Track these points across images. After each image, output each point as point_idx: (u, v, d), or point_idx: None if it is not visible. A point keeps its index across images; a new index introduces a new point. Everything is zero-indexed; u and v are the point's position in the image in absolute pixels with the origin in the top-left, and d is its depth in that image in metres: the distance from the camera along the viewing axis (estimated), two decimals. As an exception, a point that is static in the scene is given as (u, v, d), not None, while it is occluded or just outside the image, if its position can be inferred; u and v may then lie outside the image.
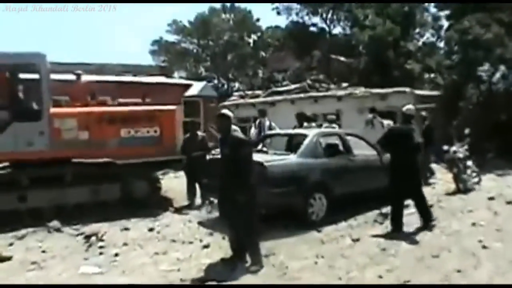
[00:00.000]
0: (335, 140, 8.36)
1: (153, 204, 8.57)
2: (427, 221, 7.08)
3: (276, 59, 23.35)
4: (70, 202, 8.05)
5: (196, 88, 15.91)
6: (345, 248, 6.08)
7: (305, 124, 10.09)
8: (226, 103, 17.94)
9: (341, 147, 8.14)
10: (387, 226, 7.06)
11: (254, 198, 5.22)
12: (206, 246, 6.23)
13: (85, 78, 8.83)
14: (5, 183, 7.70)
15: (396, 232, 6.63)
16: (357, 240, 6.38)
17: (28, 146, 7.65)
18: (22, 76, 8.19)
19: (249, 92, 17.65)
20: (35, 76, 7.85)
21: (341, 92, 13.66)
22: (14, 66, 7.75)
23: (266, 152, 7.70)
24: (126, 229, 7.25)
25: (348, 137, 8.34)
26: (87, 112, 8.18)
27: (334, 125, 11.00)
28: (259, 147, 8.38)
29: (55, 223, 7.33)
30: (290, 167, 6.94)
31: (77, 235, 6.93)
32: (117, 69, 19.51)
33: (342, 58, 18.48)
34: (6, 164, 8.04)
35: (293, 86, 15.46)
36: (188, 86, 16.16)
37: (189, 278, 5.14)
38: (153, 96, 14.19)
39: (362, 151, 8.58)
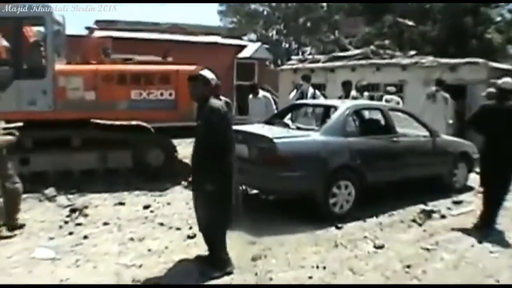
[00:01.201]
0: (375, 116, 6.66)
1: (167, 175, 7.59)
2: (485, 226, 5.34)
3: (348, 24, 21.02)
4: (76, 168, 7.31)
5: (250, 49, 14.54)
6: (361, 257, 4.55)
7: (354, 94, 8.36)
8: (283, 67, 16.34)
9: (382, 125, 6.43)
10: (426, 229, 5.38)
11: (225, 187, 3.88)
12: (191, 237, 5.04)
13: (99, 33, 7.88)
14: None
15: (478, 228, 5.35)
16: (381, 247, 4.80)
17: (30, 106, 6.91)
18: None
19: (309, 56, 15.89)
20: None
21: (406, 61, 11.48)
22: (17, 19, 6.91)
23: (287, 126, 6.22)
24: (121, 203, 6.29)
25: (395, 113, 6.58)
26: (94, 70, 7.21)
27: (394, 97, 9.11)
28: (286, 119, 6.89)
29: (50, 190, 6.60)
30: (309, 146, 5.42)
31: (66, 206, 6.12)
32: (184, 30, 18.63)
33: (414, 25, 15.86)
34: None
35: (355, 52, 13.47)
36: (242, 47, 14.83)
37: (142, 279, 4.02)
38: (200, 57, 13.11)
39: (411, 130, 6.80)
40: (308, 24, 27.71)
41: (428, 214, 5.84)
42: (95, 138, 7.27)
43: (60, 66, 7.11)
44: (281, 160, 5.20)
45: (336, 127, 5.68)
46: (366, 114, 6.96)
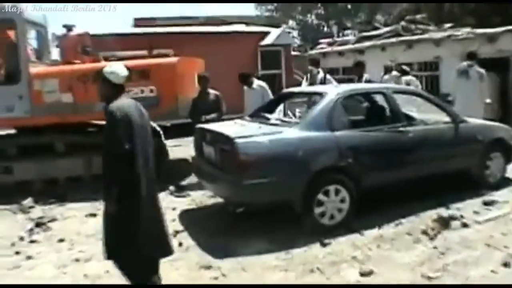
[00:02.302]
0: (378, 102, 5.36)
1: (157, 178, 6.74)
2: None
3: (388, 3, 19.10)
4: (61, 175, 6.70)
5: (272, 36, 13.36)
6: (340, 289, 3.44)
7: (366, 76, 7.01)
8: (313, 51, 14.97)
9: (385, 113, 5.12)
10: (437, 245, 4.08)
11: (129, 208, 2.93)
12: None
13: (78, 31, 7.16)
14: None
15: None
16: (369, 273, 3.62)
17: (8, 112, 6.36)
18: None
19: (338, 39, 14.42)
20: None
21: (439, 35, 9.73)
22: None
23: (265, 120, 5.05)
24: (92, 215, 5.54)
25: (403, 97, 5.24)
26: (69, 71, 6.49)
27: (409, 77, 7.66)
28: (277, 112, 5.75)
29: (28, 201, 6.02)
30: (281, 145, 4.29)
31: (34, 219, 5.46)
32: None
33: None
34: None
35: (384, 30, 11.83)
36: (265, 34, 13.66)
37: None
38: (219, 48, 12.15)
39: (431, 116, 5.43)
40: (349, 6, 25.80)
41: (445, 223, 4.50)
42: (80, 143, 6.63)
43: (35, 69, 6.47)
44: (245, 164, 4.13)
45: (319, 120, 4.48)
46: (364, 100, 5.64)
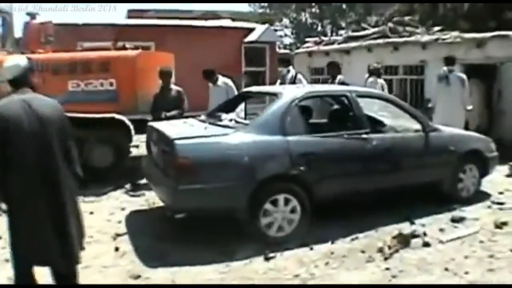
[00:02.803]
0: (340, 106, 4.93)
1: (118, 175, 6.33)
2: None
3: (383, 4, 18.59)
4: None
5: (256, 32, 12.91)
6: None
7: (340, 78, 6.57)
8: (298, 50, 14.47)
9: (347, 118, 4.68)
10: (390, 266, 3.66)
11: (13, 216, 2.59)
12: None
13: (41, 19, 6.72)
14: None
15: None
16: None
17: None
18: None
19: (325, 38, 13.93)
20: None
21: (426, 38, 9.26)
22: None
23: (216, 121, 4.56)
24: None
25: (368, 101, 4.80)
26: (26, 60, 6.09)
27: (379, 80, 7.23)
28: (236, 112, 5.30)
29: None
30: (224, 148, 3.86)
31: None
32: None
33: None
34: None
35: (371, 30, 11.36)
36: (251, 31, 13.20)
37: None
38: (203, 42, 11.70)
39: (402, 123, 5.00)
40: (344, 6, 25.24)
41: (405, 240, 4.07)
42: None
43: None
44: (182, 167, 3.71)
45: (270, 123, 4.04)
46: (325, 104, 5.22)
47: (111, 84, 6.00)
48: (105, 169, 6.36)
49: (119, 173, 6.35)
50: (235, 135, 3.94)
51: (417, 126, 4.88)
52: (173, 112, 5.94)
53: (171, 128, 4.22)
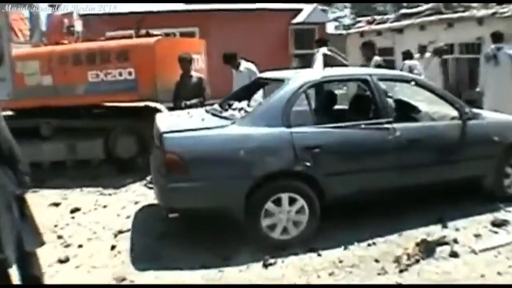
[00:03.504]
0: (359, 92, 4.30)
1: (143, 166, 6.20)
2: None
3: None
4: (46, 160, 6.36)
5: (304, 13, 12.17)
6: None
7: (376, 59, 5.84)
8: (351, 31, 13.52)
9: (367, 105, 4.06)
10: (401, 282, 3.08)
11: None
12: (62, 261, 3.64)
13: (63, 11, 6.67)
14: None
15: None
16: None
17: (-8, 95, 6.10)
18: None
19: (378, 17, 12.84)
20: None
21: (482, 12, 8.05)
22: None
23: (221, 111, 4.11)
24: (56, 204, 5.09)
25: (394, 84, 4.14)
26: (48, 52, 6.03)
27: (413, 62, 6.37)
28: (254, 99, 4.84)
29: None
30: (217, 142, 3.45)
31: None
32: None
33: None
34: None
35: (424, 7, 10.18)
36: (298, 12, 12.48)
37: None
38: (245, 27, 11.29)
39: (432, 108, 4.31)
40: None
41: (429, 248, 3.46)
42: (64, 128, 6.25)
43: (18, 51, 6.09)
44: (171, 164, 3.38)
45: (271, 113, 3.57)
46: (339, 89, 4.59)
47: (130, 74, 5.81)
48: (129, 160, 6.29)
49: (142, 164, 6.25)
50: (230, 127, 3.52)
51: (455, 113, 4.15)
52: (194, 101, 5.64)
53: (167, 119, 3.93)
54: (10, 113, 6.78)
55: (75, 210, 4.86)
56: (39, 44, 6.29)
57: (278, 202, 3.55)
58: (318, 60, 6.25)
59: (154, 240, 3.93)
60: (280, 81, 3.90)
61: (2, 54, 5.99)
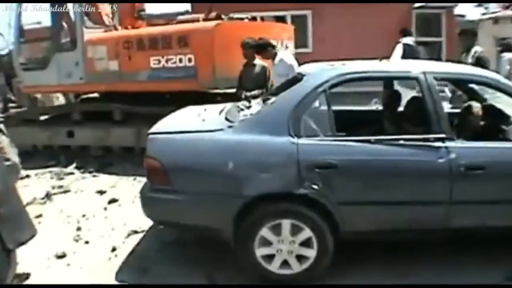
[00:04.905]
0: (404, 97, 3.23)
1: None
2: None
3: None
4: (115, 144, 6.57)
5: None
6: None
7: (477, 49, 4.51)
8: (483, 16, 11.18)
9: (416, 115, 3.02)
10: None
11: None
12: (59, 256, 3.57)
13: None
14: (59, 116, 6.98)
15: None
16: None
17: (68, 78, 6.48)
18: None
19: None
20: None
21: None
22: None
23: (235, 111, 3.41)
24: (102, 192, 5.16)
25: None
26: (115, 37, 6.11)
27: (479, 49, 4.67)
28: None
29: (70, 168, 6.14)
30: (204, 151, 2.89)
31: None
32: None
33: None
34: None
35: None
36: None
37: None
38: (359, 12, 10.15)
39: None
40: None
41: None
42: (132, 113, 6.37)
43: (89, 35, 6.34)
44: (151, 170, 2.98)
45: (275, 118, 2.85)
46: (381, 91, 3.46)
47: (189, 60, 5.56)
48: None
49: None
50: (223, 132, 2.92)
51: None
52: (254, 92, 5.13)
53: (169, 118, 3.51)
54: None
55: (112, 201, 4.86)
56: (110, 29, 6.46)
57: (278, 229, 2.89)
58: (397, 51, 5.13)
59: (156, 248, 3.64)
60: (297, 79, 3.15)
61: (76, 39, 6.37)
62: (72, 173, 6.01)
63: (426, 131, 2.86)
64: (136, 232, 4.01)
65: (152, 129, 3.15)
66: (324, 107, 2.90)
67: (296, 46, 8.71)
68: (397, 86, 4.12)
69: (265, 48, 5.14)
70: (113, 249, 3.67)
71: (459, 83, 3.29)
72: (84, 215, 4.47)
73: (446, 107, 5.18)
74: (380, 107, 3.97)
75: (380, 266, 3.09)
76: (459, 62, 4.92)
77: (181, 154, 2.94)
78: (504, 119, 3.17)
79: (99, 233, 4.05)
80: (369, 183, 2.82)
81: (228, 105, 3.68)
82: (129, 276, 3.22)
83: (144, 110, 6.23)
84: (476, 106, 3.44)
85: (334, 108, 2.95)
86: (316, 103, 2.88)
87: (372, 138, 2.82)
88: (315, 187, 2.76)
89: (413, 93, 3.70)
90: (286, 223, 2.86)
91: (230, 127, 2.98)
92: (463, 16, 10.82)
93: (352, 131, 3.23)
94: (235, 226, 2.88)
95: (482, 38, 10.29)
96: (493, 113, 3.40)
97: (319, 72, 3.07)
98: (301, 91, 2.93)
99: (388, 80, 3.54)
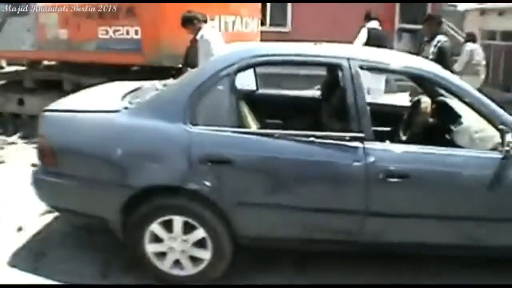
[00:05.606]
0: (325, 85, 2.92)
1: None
2: None
3: None
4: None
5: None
6: None
7: (440, 39, 4.16)
8: (468, 6, 10.56)
9: (336, 108, 2.71)
10: None
11: None
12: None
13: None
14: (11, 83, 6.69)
15: None
16: None
17: (20, 45, 6.15)
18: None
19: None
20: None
21: None
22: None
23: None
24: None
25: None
26: (66, 5, 5.76)
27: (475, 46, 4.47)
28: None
29: (13, 138, 5.87)
30: (93, 134, 2.62)
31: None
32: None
33: None
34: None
35: None
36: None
37: None
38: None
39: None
40: None
41: None
42: (81, 84, 6.06)
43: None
44: (41, 150, 2.72)
45: (171, 103, 2.55)
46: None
47: (136, 33, 5.23)
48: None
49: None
50: (116, 115, 2.61)
51: (489, 132, 2.55)
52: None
53: (79, 93, 3.23)
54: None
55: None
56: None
57: (170, 226, 2.62)
58: (361, 36, 4.78)
59: (63, 231, 3.40)
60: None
61: (28, 4, 6.01)
62: (14, 143, 5.78)
63: (343, 128, 2.55)
64: (50, 212, 3.77)
65: (50, 106, 2.86)
66: (229, 94, 2.57)
67: (273, 24, 8.32)
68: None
69: (190, 22, 4.67)
70: (19, 229, 3.43)
71: (383, 73, 2.94)
72: (5, 189, 4.22)
73: (406, 99, 4.91)
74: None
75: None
76: (420, 51, 4.60)
77: (70, 134, 2.66)
78: (454, 118, 2.84)
79: (12, 210, 3.81)
80: (270, 184, 2.52)
81: (147, 84, 3.36)
82: (23, 260, 2.98)
83: (95, 81, 5.92)
84: (425, 101, 3.15)
85: (271, 92, 2.65)
86: (220, 88, 2.55)
87: (277, 132, 2.52)
88: (207, 183, 2.47)
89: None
90: (177, 220, 2.59)
91: (126, 108, 2.68)
92: (455, 6, 10.36)
93: (285, 120, 2.93)
94: (123, 218, 2.61)
95: (468, 29, 9.84)
96: (444, 110, 3.08)
97: (227, 54, 2.74)
98: (202, 74, 2.61)
99: (307, 66, 3.17)
